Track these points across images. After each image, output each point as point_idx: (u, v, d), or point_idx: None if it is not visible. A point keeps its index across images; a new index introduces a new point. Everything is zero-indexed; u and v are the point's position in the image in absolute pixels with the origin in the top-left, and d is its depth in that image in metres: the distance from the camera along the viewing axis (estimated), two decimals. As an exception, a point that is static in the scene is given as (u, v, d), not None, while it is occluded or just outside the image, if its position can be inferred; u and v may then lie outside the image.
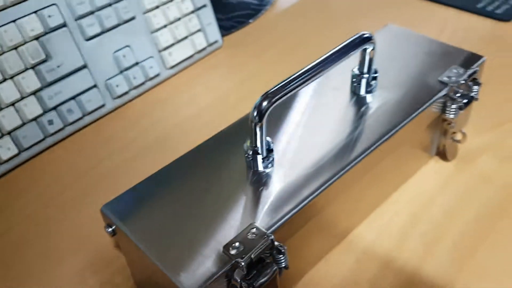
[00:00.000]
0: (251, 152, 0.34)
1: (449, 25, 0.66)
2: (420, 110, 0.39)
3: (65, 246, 0.43)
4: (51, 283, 0.40)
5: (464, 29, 0.65)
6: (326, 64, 0.34)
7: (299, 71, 0.34)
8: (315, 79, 0.34)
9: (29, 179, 0.51)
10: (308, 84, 0.34)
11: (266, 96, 0.33)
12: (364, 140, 0.36)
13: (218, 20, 0.68)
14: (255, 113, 0.33)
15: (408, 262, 0.38)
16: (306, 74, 0.34)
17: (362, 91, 0.40)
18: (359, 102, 0.40)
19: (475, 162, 0.46)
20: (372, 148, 0.36)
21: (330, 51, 0.35)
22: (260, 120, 0.33)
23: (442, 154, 0.46)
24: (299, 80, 0.33)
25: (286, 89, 0.33)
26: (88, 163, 0.52)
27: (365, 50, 0.38)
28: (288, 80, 0.33)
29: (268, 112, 0.33)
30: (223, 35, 0.69)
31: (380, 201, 0.42)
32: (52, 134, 0.54)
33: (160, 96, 0.62)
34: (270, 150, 0.35)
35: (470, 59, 0.43)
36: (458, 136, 0.44)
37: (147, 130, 0.56)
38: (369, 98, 0.40)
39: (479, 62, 0.42)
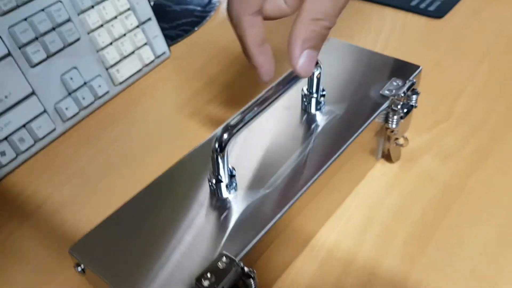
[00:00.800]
0: (214, 181, 0.36)
1: (386, 24, 0.70)
2: (366, 124, 0.41)
3: (30, 279, 0.44)
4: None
5: (401, 28, 0.69)
6: (281, 90, 0.36)
7: (255, 100, 0.35)
8: (272, 105, 0.36)
9: (-14, 213, 0.51)
10: (266, 111, 0.35)
11: (226, 127, 0.34)
12: (318, 157, 0.39)
13: (163, 29, 0.68)
14: (216, 145, 0.34)
15: (366, 262, 0.41)
16: (264, 103, 0.35)
17: (313, 109, 0.43)
18: (310, 120, 0.42)
19: (417, 162, 0.49)
20: (327, 164, 0.38)
21: (284, 76, 0.36)
22: (222, 151, 0.34)
23: (387, 157, 0.49)
24: (258, 110, 0.35)
25: (245, 120, 0.34)
26: (43, 192, 0.52)
27: (313, 73, 0.40)
28: (246, 110, 0.35)
29: (229, 143, 0.34)
30: (169, 44, 0.70)
31: (336, 207, 0.45)
32: (5, 165, 0.53)
33: (111, 114, 0.62)
34: (232, 176, 0.37)
35: (409, 69, 0.46)
36: (401, 141, 0.47)
37: (101, 150, 0.56)
38: (318, 115, 0.43)
39: (417, 72, 0.45)
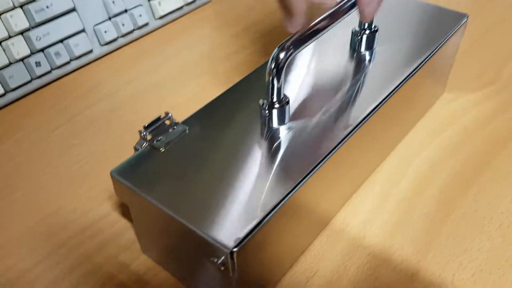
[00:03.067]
0: (267, 107, 0.34)
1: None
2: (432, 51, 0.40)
3: (51, 189, 0.43)
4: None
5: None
6: (338, 14, 0.35)
7: (312, 23, 0.34)
8: (330, 29, 0.34)
9: (15, 121, 0.50)
10: (323, 33, 0.34)
11: (283, 47, 0.33)
12: (376, 89, 0.37)
13: (207, -28, 0.67)
14: (272, 65, 0.33)
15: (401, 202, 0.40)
16: (320, 24, 0.34)
17: (363, 47, 0.41)
18: (362, 57, 0.41)
19: (460, 120, 0.48)
20: (387, 94, 0.37)
21: (340, 5, 0.35)
22: (278, 72, 0.33)
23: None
24: (315, 30, 0.33)
25: (302, 40, 0.33)
26: (75, 107, 0.52)
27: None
28: (304, 31, 0.33)
29: (286, 64, 0.33)
30: (211, -11, 0.68)
31: (389, 148, 0.44)
32: (39, 76, 0.53)
33: (147, 46, 0.61)
34: (286, 103, 0.35)
35: (456, 18, 0.45)
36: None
37: (134, 80, 0.55)
38: (370, 53, 0.41)
39: (464, 20, 0.44)
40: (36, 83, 0.53)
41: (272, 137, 0.34)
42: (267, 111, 0.35)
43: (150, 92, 0.53)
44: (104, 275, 0.36)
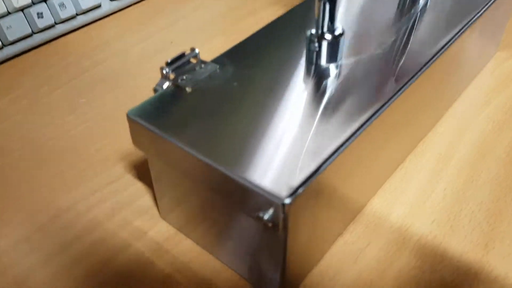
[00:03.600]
0: (316, 39, 0.29)
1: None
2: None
3: (53, 149, 0.37)
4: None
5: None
6: None
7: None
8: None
9: (13, 78, 0.44)
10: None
11: None
12: (427, 45, 0.31)
13: None
14: None
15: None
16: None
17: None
18: (415, 8, 0.35)
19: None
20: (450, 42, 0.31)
21: None
22: None
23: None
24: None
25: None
26: (80, 65, 0.46)
27: None
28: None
29: None
30: None
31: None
32: (42, 30, 0.47)
33: (161, 3, 0.55)
34: (340, 36, 0.29)
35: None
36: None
37: (147, 39, 0.49)
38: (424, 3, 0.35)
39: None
40: (38, 38, 0.47)
41: (321, 76, 0.28)
42: (316, 44, 0.29)
43: (163, 52, 0.47)
44: (117, 243, 0.30)
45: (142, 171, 0.35)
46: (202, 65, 0.29)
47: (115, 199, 0.33)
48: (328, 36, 0.28)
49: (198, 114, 0.26)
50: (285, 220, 0.22)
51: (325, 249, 0.29)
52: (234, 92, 0.27)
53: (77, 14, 0.49)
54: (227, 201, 0.25)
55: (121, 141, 0.38)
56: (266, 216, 0.22)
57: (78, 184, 0.34)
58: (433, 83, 0.33)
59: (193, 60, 0.29)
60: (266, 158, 0.23)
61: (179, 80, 0.28)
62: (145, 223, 0.32)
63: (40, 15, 0.46)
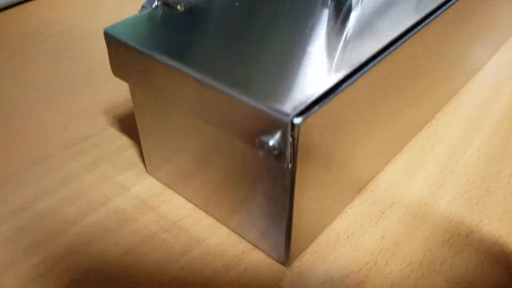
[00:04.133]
0: None
1: None
2: None
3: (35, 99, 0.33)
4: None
5: None
6: None
7: None
8: None
9: (-4, 31, 0.40)
10: None
11: None
12: None
13: None
14: None
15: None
16: None
17: None
18: None
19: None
20: None
21: None
22: None
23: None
24: None
25: None
26: (72, 20, 0.42)
27: None
28: None
29: None
30: None
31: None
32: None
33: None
34: None
35: None
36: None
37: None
38: None
39: None
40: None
41: (337, 9, 0.24)
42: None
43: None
44: (94, 198, 0.26)
45: (128, 124, 0.31)
46: (198, -12, 0.25)
47: (96, 152, 0.29)
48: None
49: (189, 32, 0.21)
50: (294, 146, 0.17)
51: (340, 205, 0.24)
52: (234, 12, 0.23)
53: (69, -30, 0.45)
54: (223, 137, 0.20)
55: (106, 94, 0.33)
56: (271, 141, 0.17)
57: (56, 136, 0.30)
58: (459, 30, 0.28)
59: (189, -16, 0.25)
60: (270, 77, 0.19)
61: (170, 0, 0.23)
62: (129, 178, 0.27)
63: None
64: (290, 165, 0.18)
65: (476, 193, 0.26)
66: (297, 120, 0.17)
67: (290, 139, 0.17)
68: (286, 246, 0.21)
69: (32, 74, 0.35)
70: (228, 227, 0.24)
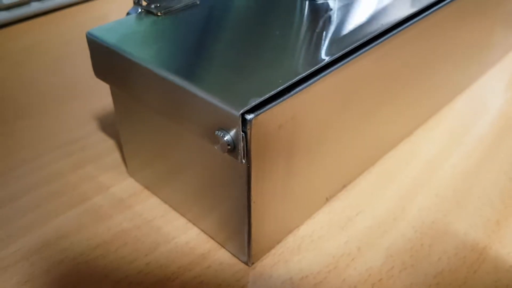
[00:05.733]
0: None
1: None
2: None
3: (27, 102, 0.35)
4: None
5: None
6: None
7: None
8: None
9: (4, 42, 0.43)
10: None
11: None
12: None
13: None
14: None
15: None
16: None
17: None
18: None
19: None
20: None
21: None
22: None
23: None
24: None
25: None
26: (75, 32, 0.44)
27: None
28: None
29: None
30: None
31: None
32: (39, -1, 0.45)
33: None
34: None
35: None
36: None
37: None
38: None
39: None
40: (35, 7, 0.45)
41: (311, 12, 0.25)
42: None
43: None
44: (75, 195, 0.27)
45: (115, 129, 0.32)
46: (182, -2, 0.26)
47: (82, 154, 0.30)
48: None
49: (163, 35, 0.23)
50: (247, 142, 0.18)
51: (307, 210, 0.25)
52: (211, 22, 0.24)
53: (79, -13, 0.47)
54: (192, 140, 0.21)
55: (97, 100, 0.35)
56: (225, 136, 0.18)
57: (45, 138, 0.31)
58: (443, 47, 0.29)
59: (174, -7, 0.26)
60: (230, 74, 0.20)
61: (152, 6, 0.25)
62: (110, 179, 0.28)
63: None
64: (243, 161, 0.19)
65: (445, 207, 0.26)
66: (249, 116, 0.18)
67: (242, 134, 0.18)
68: (248, 246, 0.22)
69: (30, 78, 0.37)
70: (199, 227, 0.25)
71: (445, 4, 0.26)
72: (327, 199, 0.26)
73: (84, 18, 0.46)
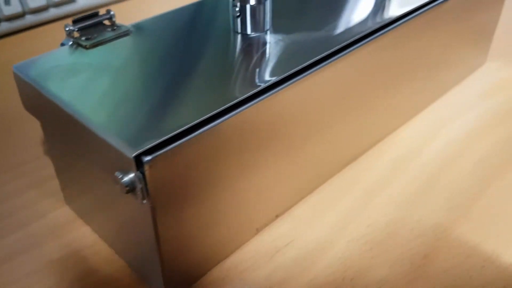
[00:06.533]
0: (238, 4, 0.25)
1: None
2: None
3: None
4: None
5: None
6: None
7: None
8: None
9: None
10: None
11: None
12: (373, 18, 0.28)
13: None
14: None
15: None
16: None
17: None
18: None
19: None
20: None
21: None
22: None
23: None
24: None
25: None
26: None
27: None
28: None
29: None
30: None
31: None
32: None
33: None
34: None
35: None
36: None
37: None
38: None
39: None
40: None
41: (241, 45, 0.25)
42: (237, 9, 0.25)
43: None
44: (12, 222, 0.27)
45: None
46: (115, 28, 0.26)
47: (24, 180, 0.30)
48: (251, 0, 0.25)
49: (84, 69, 0.23)
50: (146, 183, 0.18)
51: (234, 241, 0.25)
52: (136, 53, 0.24)
53: (24, 12, 0.48)
54: (94, 165, 0.21)
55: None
56: (124, 177, 0.18)
57: (-6, 161, 0.32)
58: (386, 72, 0.29)
59: (107, 22, 0.27)
60: (136, 113, 0.20)
61: (82, 38, 0.25)
62: (48, 206, 0.28)
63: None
64: (145, 201, 0.19)
65: (374, 237, 0.26)
66: (146, 158, 0.18)
67: (139, 175, 0.18)
68: (164, 283, 0.22)
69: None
70: (124, 260, 0.25)
71: (372, 39, 0.26)
72: (258, 230, 0.26)
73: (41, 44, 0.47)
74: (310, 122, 0.25)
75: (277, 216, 0.27)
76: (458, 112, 0.35)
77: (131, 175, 0.18)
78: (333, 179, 0.30)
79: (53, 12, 0.49)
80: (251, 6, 0.25)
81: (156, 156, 0.18)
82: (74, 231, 0.27)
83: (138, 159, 0.18)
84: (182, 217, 0.21)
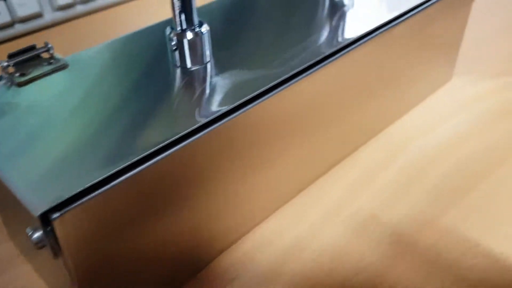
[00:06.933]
0: (175, 37, 0.24)
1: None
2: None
3: None
4: None
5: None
6: None
7: None
8: None
9: None
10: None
11: None
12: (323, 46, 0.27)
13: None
14: None
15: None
16: None
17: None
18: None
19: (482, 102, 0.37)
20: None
21: None
22: None
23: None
24: None
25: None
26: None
27: None
28: None
29: None
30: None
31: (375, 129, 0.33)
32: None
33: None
34: (200, 27, 0.24)
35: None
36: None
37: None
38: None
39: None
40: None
41: (173, 81, 0.24)
42: (174, 42, 0.25)
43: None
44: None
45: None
46: (52, 61, 0.25)
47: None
48: (188, 34, 0.24)
49: (9, 111, 0.22)
50: (56, 240, 0.17)
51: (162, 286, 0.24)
52: (69, 90, 0.24)
53: (14, 22, 0.47)
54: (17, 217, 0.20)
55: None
56: (33, 234, 0.18)
57: None
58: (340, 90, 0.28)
59: (45, 55, 0.26)
60: (51, 164, 0.19)
61: (17, 74, 0.24)
62: (-10, 241, 0.28)
63: (-33, 19, 0.44)
64: (57, 257, 0.18)
65: (323, 265, 0.25)
66: (54, 215, 0.17)
67: (49, 232, 0.17)
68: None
69: None
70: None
71: (329, 62, 0.26)
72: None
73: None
74: (240, 163, 0.24)
75: (220, 252, 0.26)
76: (421, 131, 0.35)
77: (40, 233, 0.17)
78: (289, 203, 0.29)
79: (19, 28, 0.48)
80: (188, 41, 0.24)
81: (65, 212, 0.17)
82: (14, 268, 0.26)
83: (45, 216, 0.17)
84: (105, 267, 0.20)
